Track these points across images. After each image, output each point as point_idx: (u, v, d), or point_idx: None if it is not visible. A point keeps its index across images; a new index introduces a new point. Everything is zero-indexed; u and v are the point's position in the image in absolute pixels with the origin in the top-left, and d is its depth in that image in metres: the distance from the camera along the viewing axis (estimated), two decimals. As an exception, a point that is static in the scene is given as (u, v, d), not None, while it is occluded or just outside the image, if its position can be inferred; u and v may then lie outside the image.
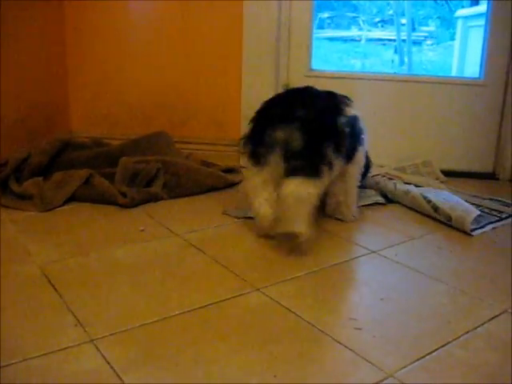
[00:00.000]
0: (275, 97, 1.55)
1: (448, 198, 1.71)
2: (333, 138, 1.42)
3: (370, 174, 1.90)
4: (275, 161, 1.38)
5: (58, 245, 1.42)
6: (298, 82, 2.21)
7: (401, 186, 1.83)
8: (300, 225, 1.34)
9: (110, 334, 1.01)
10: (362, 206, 1.77)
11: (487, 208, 1.77)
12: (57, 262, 1.31)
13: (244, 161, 1.46)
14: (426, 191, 1.76)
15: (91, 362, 0.93)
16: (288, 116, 1.39)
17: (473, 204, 1.78)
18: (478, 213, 1.62)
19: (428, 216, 1.69)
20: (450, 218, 1.61)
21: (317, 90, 1.53)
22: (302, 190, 1.32)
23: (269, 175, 1.40)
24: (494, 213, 1.73)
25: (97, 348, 0.97)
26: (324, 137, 1.40)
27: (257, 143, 1.41)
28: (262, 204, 1.42)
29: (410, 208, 1.76)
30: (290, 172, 1.35)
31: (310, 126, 1.37)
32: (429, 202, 1.69)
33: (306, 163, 1.34)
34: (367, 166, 1.74)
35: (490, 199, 1.87)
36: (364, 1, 6.02)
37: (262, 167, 1.41)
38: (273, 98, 1.53)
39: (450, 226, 1.61)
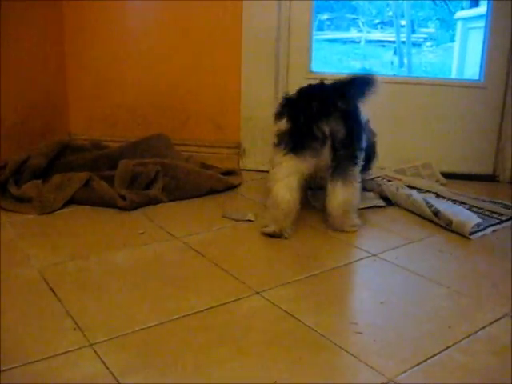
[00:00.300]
0: (301, 92, 1.59)
1: (450, 206, 1.72)
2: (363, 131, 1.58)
3: (370, 171, 1.91)
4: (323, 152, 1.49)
5: (58, 248, 1.41)
6: (298, 84, 2.21)
7: (403, 190, 1.82)
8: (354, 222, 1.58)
9: (109, 339, 1.01)
10: (362, 208, 1.76)
11: (488, 210, 1.76)
12: (56, 266, 1.30)
13: (277, 154, 1.52)
14: (429, 197, 1.76)
15: (90, 367, 0.93)
16: (329, 109, 1.48)
17: (473, 206, 1.78)
18: (479, 220, 1.62)
19: (428, 220, 1.69)
20: (450, 223, 1.60)
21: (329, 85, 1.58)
22: (348, 198, 1.52)
23: (301, 167, 1.49)
24: (495, 215, 1.73)
25: (96, 352, 0.97)
26: (360, 128, 1.55)
27: (303, 137, 1.48)
28: (286, 191, 1.49)
29: (410, 211, 1.76)
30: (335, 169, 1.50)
31: (350, 118, 1.50)
32: (430, 206, 1.68)
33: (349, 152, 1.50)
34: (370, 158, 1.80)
35: (491, 201, 1.86)
36: (363, 2, 6.02)
37: (299, 159, 1.48)
38: (300, 93, 1.58)
39: (450, 230, 1.61)
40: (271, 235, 1.50)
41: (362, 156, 1.56)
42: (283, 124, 1.51)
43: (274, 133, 1.54)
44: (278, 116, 1.55)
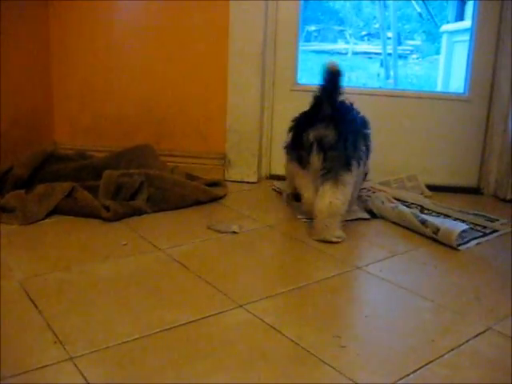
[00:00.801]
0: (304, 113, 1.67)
1: (436, 217, 1.74)
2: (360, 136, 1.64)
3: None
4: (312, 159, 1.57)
5: (39, 259, 1.40)
6: (284, 96, 2.22)
7: (388, 204, 1.83)
8: (336, 232, 1.58)
9: (90, 352, 1.00)
10: (347, 220, 1.76)
11: (471, 223, 1.77)
12: (37, 277, 1.29)
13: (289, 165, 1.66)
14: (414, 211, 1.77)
15: (70, 381, 0.92)
16: (312, 117, 1.58)
17: (458, 219, 1.79)
18: (467, 226, 1.64)
19: (413, 231, 1.69)
20: (437, 230, 1.61)
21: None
22: (334, 202, 1.54)
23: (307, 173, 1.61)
24: (479, 228, 1.74)
25: (76, 366, 0.95)
26: (354, 131, 1.60)
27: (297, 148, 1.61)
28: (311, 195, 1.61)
29: (396, 223, 1.76)
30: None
31: (339, 121, 1.56)
32: (417, 216, 1.68)
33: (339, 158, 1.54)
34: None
35: (475, 214, 1.87)
36: (351, 14, 6.06)
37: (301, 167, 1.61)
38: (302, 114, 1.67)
39: (435, 241, 1.61)
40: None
41: (356, 162, 1.58)
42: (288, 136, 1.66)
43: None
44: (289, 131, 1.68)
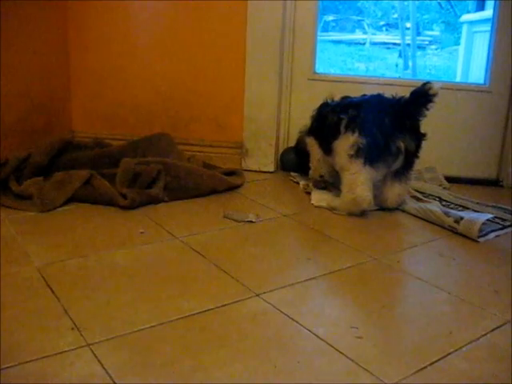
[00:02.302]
0: (366, 104, 1.76)
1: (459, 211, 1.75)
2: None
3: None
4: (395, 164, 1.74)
5: (57, 246, 1.41)
6: (302, 85, 2.21)
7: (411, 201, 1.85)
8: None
9: (107, 339, 1.00)
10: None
11: (490, 214, 1.75)
12: (55, 264, 1.30)
13: (355, 164, 1.71)
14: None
15: (87, 367, 0.92)
16: (403, 127, 1.71)
17: (476, 211, 1.78)
18: (490, 216, 1.65)
19: (431, 223, 1.68)
20: (460, 219, 1.61)
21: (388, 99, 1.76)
22: (402, 194, 1.81)
23: (375, 175, 1.74)
24: (497, 220, 1.72)
25: (93, 353, 0.96)
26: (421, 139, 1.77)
27: (380, 152, 1.70)
28: (368, 193, 1.72)
29: (413, 215, 1.75)
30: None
31: (417, 132, 1.74)
32: (439, 208, 1.70)
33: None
34: None
35: (493, 206, 1.86)
36: (369, 4, 6.01)
37: (374, 169, 1.71)
38: (366, 106, 1.75)
39: (454, 233, 1.60)
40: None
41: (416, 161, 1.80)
42: (355, 138, 1.69)
43: (350, 145, 1.70)
44: (349, 129, 1.72)
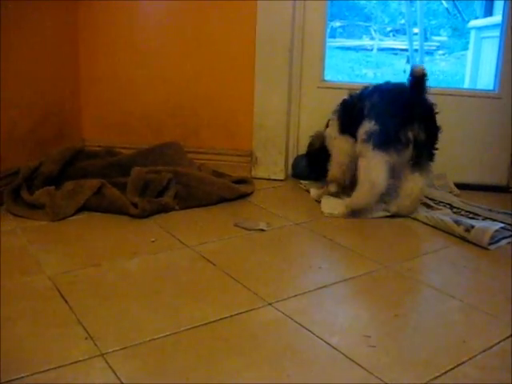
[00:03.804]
0: (384, 93, 1.81)
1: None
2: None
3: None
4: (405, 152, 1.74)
5: (69, 255, 1.41)
6: (311, 92, 2.21)
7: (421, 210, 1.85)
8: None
9: (121, 348, 1.00)
10: (373, 218, 1.76)
11: (501, 222, 1.74)
12: (67, 273, 1.30)
13: (367, 148, 1.75)
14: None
15: (101, 377, 0.93)
16: (413, 117, 1.72)
17: (487, 218, 1.77)
18: (501, 225, 1.63)
19: (442, 230, 1.68)
20: (471, 227, 1.60)
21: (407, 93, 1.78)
22: (424, 187, 1.82)
23: (387, 159, 1.73)
24: (509, 227, 1.71)
25: (107, 362, 0.96)
26: (437, 129, 1.78)
27: (390, 139, 1.72)
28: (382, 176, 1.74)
29: (423, 222, 1.75)
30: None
31: (429, 122, 1.75)
32: (450, 217, 1.69)
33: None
34: None
35: (505, 213, 1.85)
36: (376, 10, 6.01)
37: (385, 154, 1.72)
38: (383, 95, 1.80)
39: (465, 240, 1.60)
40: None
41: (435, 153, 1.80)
42: (370, 124, 1.74)
43: (365, 131, 1.75)
44: (367, 116, 1.77)
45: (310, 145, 2.13)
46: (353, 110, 1.88)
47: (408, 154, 1.74)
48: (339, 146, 1.95)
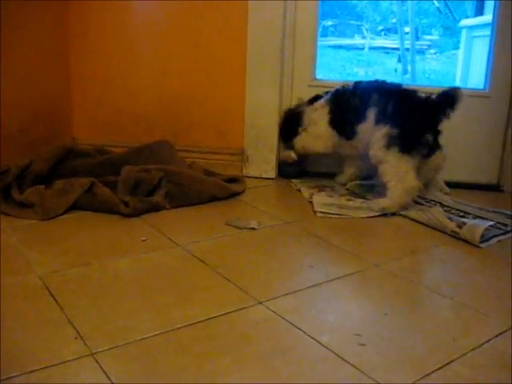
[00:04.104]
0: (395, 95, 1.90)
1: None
2: None
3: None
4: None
5: (59, 254, 1.41)
6: (302, 91, 2.21)
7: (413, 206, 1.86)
8: None
9: (111, 348, 1.00)
10: (364, 217, 1.76)
11: (492, 221, 1.75)
12: (57, 272, 1.30)
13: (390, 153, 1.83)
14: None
15: (91, 376, 0.92)
16: (432, 124, 1.85)
17: (477, 216, 1.78)
18: (491, 223, 1.66)
19: (433, 228, 1.68)
20: (463, 224, 1.62)
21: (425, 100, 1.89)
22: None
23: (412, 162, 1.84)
24: (499, 226, 1.72)
25: (97, 362, 0.96)
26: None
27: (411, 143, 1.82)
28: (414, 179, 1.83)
29: (415, 220, 1.75)
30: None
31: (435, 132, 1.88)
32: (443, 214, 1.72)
33: None
34: None
35: (495, 211, 1.86)
36: (368, 9, 6.02)
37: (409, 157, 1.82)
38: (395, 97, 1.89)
39: (456, 239, 1.60)
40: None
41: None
42: (387, 129, 1.82)
43: (385, 136, 1.83)
44: (381, 121, 1.85)
45: (283, 116, 2.21)
46: (346, 104, 1.96)
47: (424, 156, 1.85)
48: (325, 138, 2.06)
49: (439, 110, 1.82)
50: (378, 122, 1.86)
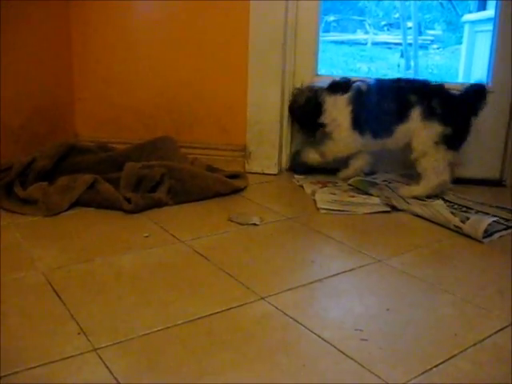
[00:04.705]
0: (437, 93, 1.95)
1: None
2: None
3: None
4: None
5: (62, 250, 1.41)
6: (304, 87, 2.21)
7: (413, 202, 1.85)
8: None
9: (114, 343, 1.01)
10: (366, 213, 1.76)
11: (494, 216, 1.75)
12: (61, 269, 1.30)
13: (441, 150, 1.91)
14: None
15: (94, 372, 0.93)
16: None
17: (479, 211, 1.78)
18: (494, 218, 1.65)
19: (436, 224, 1.68)
20: (466, 219, 1.62)
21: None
22: None
23: None
24: (501, 221, 1.72)
25: (100, 357, 0.96)
26: None
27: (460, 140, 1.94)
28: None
29: (417, 215, 1.75)
30: None
31: None
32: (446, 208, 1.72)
33: None
34: None
35: (497, 207, 1.86)
36: (370, 4, 6.01)
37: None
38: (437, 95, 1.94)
39: (458, 234, 1.61)
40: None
41: None
42: (438, 127, 1.89)
43: (434, 133, 1.90)
44: (431, 118, 1.90)
45: (294, 101, 2.15)
46: (377, 106, 1.96)
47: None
48: (352, 140, 2.03)
49: (475, 106, 1.89)
50: (425, 120, 1.90)
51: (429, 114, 1.89)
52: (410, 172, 2.13)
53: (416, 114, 1.90)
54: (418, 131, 1.90)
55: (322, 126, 2.06)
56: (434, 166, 1.90)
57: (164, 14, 2.21)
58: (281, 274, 1.34)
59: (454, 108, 1.91)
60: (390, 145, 2.00)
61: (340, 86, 2.04)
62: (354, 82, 2.03)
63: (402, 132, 1.93)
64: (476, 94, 1.90)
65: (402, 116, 1.92)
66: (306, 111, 2.10)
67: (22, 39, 1.98)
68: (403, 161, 2.10)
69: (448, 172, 1.92)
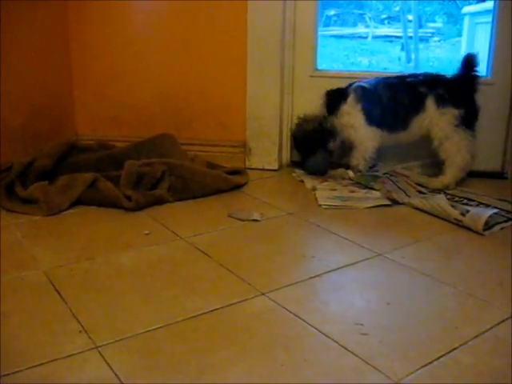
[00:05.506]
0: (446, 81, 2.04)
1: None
2: None
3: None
4: None
5: (64, 249, 1.42)
6: (304, 82, 2.21)
7: (415, 194, 1.86)
8: None
9: (115, 341, 1.01)
10: (367, 207, 1.76)
11: (495, 208, 1.75)
12: (62, 267, 1.31)
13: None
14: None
15: (96, 370, 0.93)
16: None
17: (481, 203, 1.78)
18: (495, 210, 1.66)
19: (436, 217, 1.68)
20: (466, 212, 1.62)
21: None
22: None
23: None
24: (502, 213, 1.72)
25: (101, 355, 0.97)
26: None
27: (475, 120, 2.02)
28: None
29: (418, 208, 1.75)
30: None
31: None
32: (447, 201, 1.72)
33: None
34: None
35: (498, 199, 1.85)
36: (370, -3, 5.97)
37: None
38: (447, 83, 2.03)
39: (459, 227, 1.60)
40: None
41: None
42: (453, 110, 1.95)
43: (452, 116, 1.96)
44: (446, 104, 1.96)
45: (299, 127, 2.14)
46: (389, 102, 2.00)
47: None
48: (365, 136, 2.04)
49: (472, 78, 1.97)
50: (440, 107, 1.96)
51: (442, 102, 1.96)
52: (410, 164, 2.14)
53: (430, 103, 1.96)
54: (437, 120, 1.96)
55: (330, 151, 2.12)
56: (460, 146, 1.96)
57: (162, 12, 2.21)
58: (281, 269, 1.34)
59: (458, 89, 1.98)
60: (403, 138, 2.03)
61: (338, 94, 2.07)
62: (350, 85, 2.05)
63: (418, 122, 1.99)
64: (467, 64, 1.97)
65: (417, 108, 1.98)
66: (314, 137, 2.10)
67: (22, 39, 1.98)
68: (404, 153, 2.11)
69: (469, 153, 1.97)
